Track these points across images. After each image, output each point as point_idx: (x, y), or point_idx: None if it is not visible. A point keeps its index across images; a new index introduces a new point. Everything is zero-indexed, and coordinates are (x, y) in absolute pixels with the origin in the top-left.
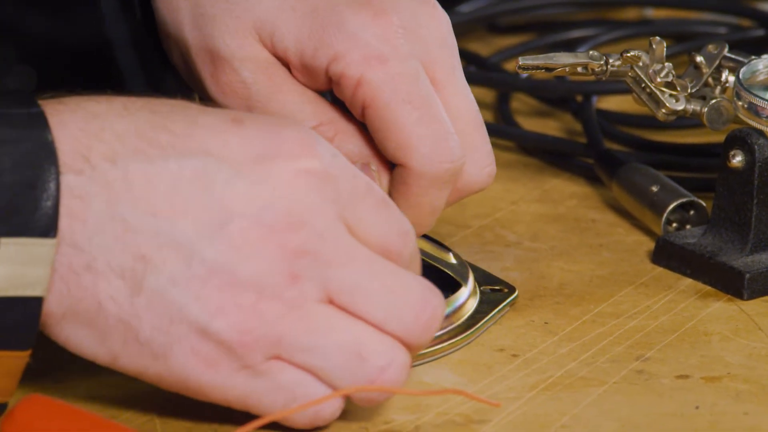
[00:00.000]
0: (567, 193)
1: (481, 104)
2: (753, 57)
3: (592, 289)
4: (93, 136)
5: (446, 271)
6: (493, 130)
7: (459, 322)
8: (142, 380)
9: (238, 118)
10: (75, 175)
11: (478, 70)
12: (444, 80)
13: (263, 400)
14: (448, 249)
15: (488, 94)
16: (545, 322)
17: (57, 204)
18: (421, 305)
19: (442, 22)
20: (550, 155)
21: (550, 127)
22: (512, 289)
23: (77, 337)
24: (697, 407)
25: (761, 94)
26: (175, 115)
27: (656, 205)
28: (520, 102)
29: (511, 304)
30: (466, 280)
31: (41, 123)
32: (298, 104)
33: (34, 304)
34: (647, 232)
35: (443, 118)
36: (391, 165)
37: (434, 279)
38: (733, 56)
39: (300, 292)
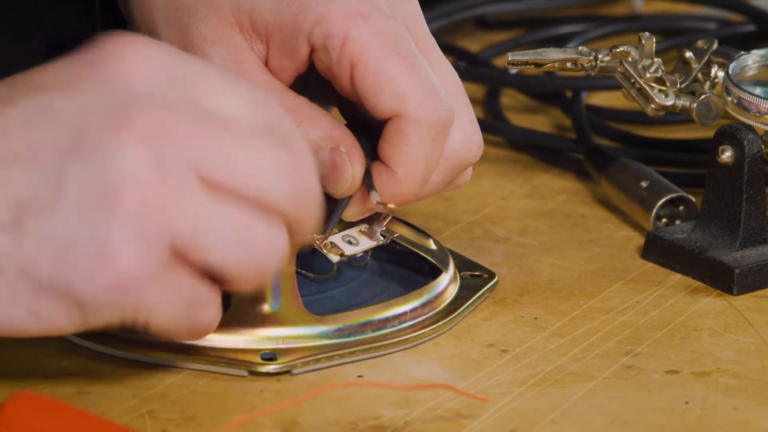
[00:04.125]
0: (556, 188)
1: (471, 100)
2: (742, 52)
3: (582, 285)
4: None
5: (427, 257)
6: (482, 126)
7: (440, 307)
8: (78, 325)
9: (78, 55)
10: None
11: (467, 66)
12: (426, 48)
13: (163, 310)
14: (428, 235)
15: (477, 90)
16: (535, 318)
17: None
18: (294, 170)
19: (416, 2)
20: (540, 151)
21: (540, 122)
22: (492, 275)
23: None
24: (686, 402)
25: (750, 89)
26: (16, 78)
27: (646, 201)
28: (509, 97)
29: (491, 289)
30: (446, 266)
31: None
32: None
33: None
34: (637, 227)
35: (431, 72)
36: (376, 132)
37: (415, 265)
38: (722, 51)
39: (172, 177)
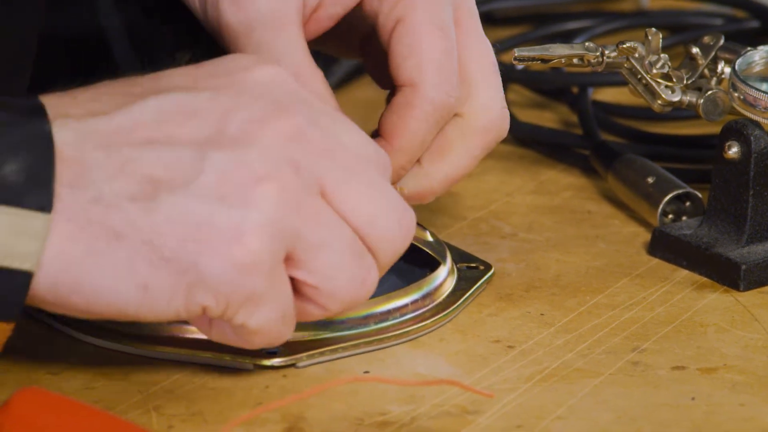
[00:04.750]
0: (563, 184)
1: None
2: (749, 48)
3: (588, 281)
4: (71, 100)
5: (424, 249)
6: None
7: (440, 299)
8: (174, 310)
9: (197, 65)
10: (63, 129)
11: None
12: (467, 24)
13: (267, 307)
14: (424, 227)
15: None
16: (541, 314)
17: (52, 181)
18: (402, 211)
19: None
20: (546, 147)
21: (546, 118)
22: (488, 267)
23: (103, 278)
24: (693, 398)
25: (757, 85)
26: (139, 79)
27: (652, 197)
28: (516, 93)
29: (488, 281)
30: (444, 258)
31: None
32: (292, 44)
33: (22, 277)
34: (643, 223)
35: (456, 58)
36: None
37: (410, 257)
38: (729, 47)
39: (303, 181)
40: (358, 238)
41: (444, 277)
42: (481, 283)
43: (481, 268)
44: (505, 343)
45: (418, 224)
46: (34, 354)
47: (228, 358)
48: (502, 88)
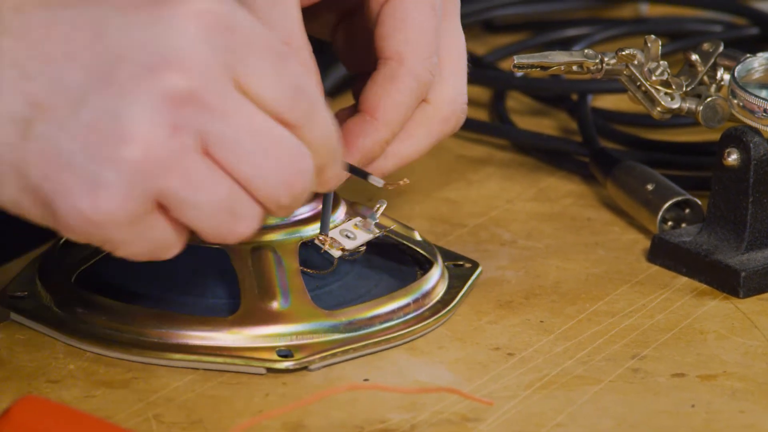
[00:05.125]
0: (562, 191)
1: (477, 103)
2: (748, 55)
3: (588, 288)
4: None
5: (416, 248)
6: (488, 129)
7: (437, 298)
8: (49, 227)
9: None
10: None
11: (473, 68)
12: (451, 12)
13: (130, 248)
14: (412, 228)
15: (483, 93)
16: (541, 321)
17: None
18: (289, 168)
19: None
20: (546, 154)
21: (546, 125)
22: (475, 264)
23: None
24: (692, 405)
25: (756, 92)
26: None
27: (651, 204)
28: (515, 101)
29: (477, 278)
30: (435, 257)
31: None
32: (287, 14)
33: None
34: (643, 230)
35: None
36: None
37: (398, 257)
38: (728, 54)
39: (181, 144)
40: (237, 192)
41: (439, 275)
42: (473, 280)
43: (468, 265)
44: (504, 350)
45: (405, 225)
46: (34, 362)
47: (240, 363)
48: (465, 85)
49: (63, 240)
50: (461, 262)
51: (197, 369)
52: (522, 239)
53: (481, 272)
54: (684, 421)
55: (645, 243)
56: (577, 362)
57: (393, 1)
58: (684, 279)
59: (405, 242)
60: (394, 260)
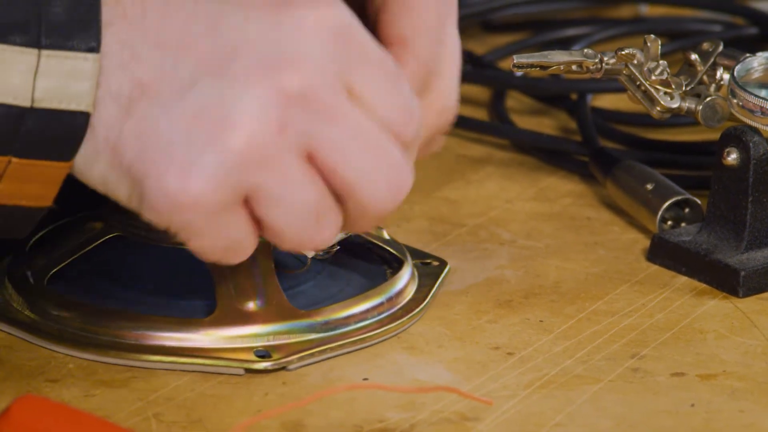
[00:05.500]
0: (562, 191)
1: (476, 102)
2: (747, 55)
3: (587, 287)
4: None
5: (386, 247)
6: (487, 129)
7: (409, 296)
8: (132, 208)
9: None
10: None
11: (472, 68)
12: (449, 18)
13: (206, 240)
14: (380, 227)
15: (483, 92)
16: (540, 320)
17: (99, 22)
18: (395, 181)
19: None
20: (545, 153)
21: (545, 125)
22: (443, 263)
23: (78, 156)
24: (692, 405)
25: (756, 91)
26: None
27: (651, 203)
28: (514, 100)
29: (446, 276)
30: (405, 256)
31: None
32: None
33: (81, 118)
34: (642, 230)
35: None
36: None
37: (371, 256)
38: (727, 54)
39: (285, 141)
40: (327, 198)
41: (410, 274)
42: (442, 279)
43: (435, 263)
44: (504, 349)
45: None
46: (33, 361)
47: (218, 364)
48: (457, 91)
49: (32, 241)
50: (429, 261)
51: (175, 371)
52: (521, 239)
53: (449, 270)
54: (683, 421)
55: (644, 242)
56: (576, 362)
57: None
58: (683, 278)
59: (374, 241)
60: (362, 259)
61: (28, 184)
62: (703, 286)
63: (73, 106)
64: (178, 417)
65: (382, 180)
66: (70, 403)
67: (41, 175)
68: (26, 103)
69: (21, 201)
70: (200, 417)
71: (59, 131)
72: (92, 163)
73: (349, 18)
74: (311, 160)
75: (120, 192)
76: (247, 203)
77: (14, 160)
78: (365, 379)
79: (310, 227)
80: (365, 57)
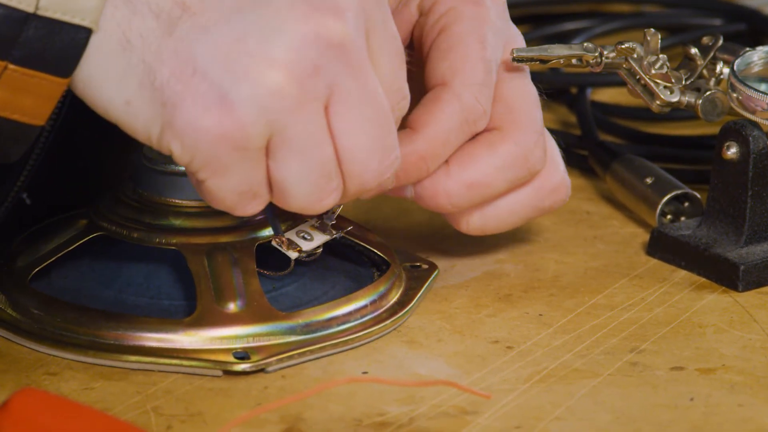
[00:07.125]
0: None
1: None
2: (747, 49)
3: (587, 281)
4: None
5: (374, 250)
6: None
7: (395, 299)
8: (147, 138)
9: None
10: None
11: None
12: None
13: (224, 181)
14: (368, 229)
15: None
16: (540, 314)
17: None
18: (391, 156)
19: (518, 32)
20: None
21: (545, 119)
22: (433, 266)
23: (97, 77)
24: (691, 399)
25: (755, 85)
26: None
27: (651, 197)
28: None
29: (434, 279)
30: (393, 258)
31: None
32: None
33: (83, 33)
34: (642, 224)
35: (494, 78)
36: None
37: (359, 258)
38: (727, 48)
39: (314, 88)
40: (336, 160)
41: (396, 277)
42: (430, 282)
43: (425, 267)
44: (503, 343)
45: (362, 226)
46: (33, 354)
47: (196, 365)
48: (544, 132)
49: (17, 241)
50: (419, 264)
51: (153, 371)
52: (521, 232)
53: (438, 273)
54: (682, 415)
55: (644, 236)
56: (575, 355)
57: (442, 35)
58: (683, 272)
59: (362, 244)
60: (350, 262)
61: (23, 95)
62: (703, 280)
63: (77, 20)
64: (177, 410)
65: (378, 148)
66: (69, 396)
67: (37, 88)
68: (30, 9)
69: (14, 114)
70: (199, 410)
71: (59, 44)
72: (119, 81)
73: None
74: (327, 115)
75: (139, 118)
76: (267, 152)
77: (11, 66)
78: (365, 372)
79: (318, 188)
80: (386, 29)
